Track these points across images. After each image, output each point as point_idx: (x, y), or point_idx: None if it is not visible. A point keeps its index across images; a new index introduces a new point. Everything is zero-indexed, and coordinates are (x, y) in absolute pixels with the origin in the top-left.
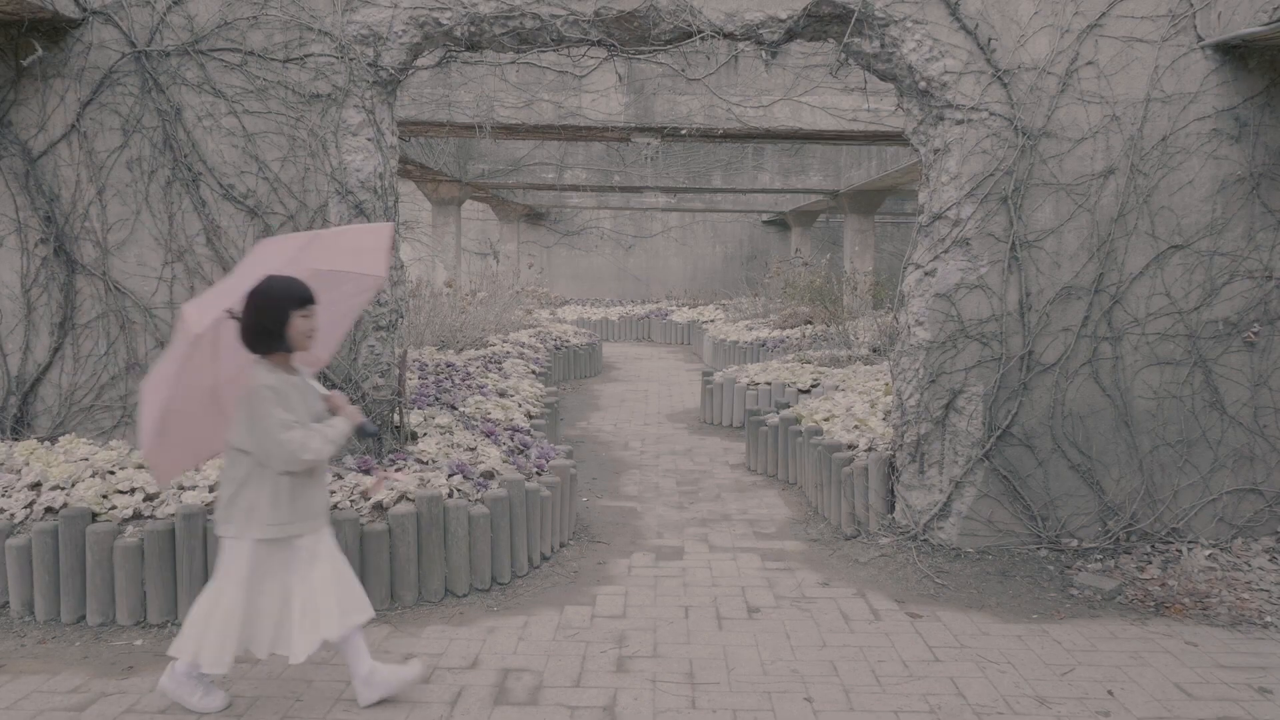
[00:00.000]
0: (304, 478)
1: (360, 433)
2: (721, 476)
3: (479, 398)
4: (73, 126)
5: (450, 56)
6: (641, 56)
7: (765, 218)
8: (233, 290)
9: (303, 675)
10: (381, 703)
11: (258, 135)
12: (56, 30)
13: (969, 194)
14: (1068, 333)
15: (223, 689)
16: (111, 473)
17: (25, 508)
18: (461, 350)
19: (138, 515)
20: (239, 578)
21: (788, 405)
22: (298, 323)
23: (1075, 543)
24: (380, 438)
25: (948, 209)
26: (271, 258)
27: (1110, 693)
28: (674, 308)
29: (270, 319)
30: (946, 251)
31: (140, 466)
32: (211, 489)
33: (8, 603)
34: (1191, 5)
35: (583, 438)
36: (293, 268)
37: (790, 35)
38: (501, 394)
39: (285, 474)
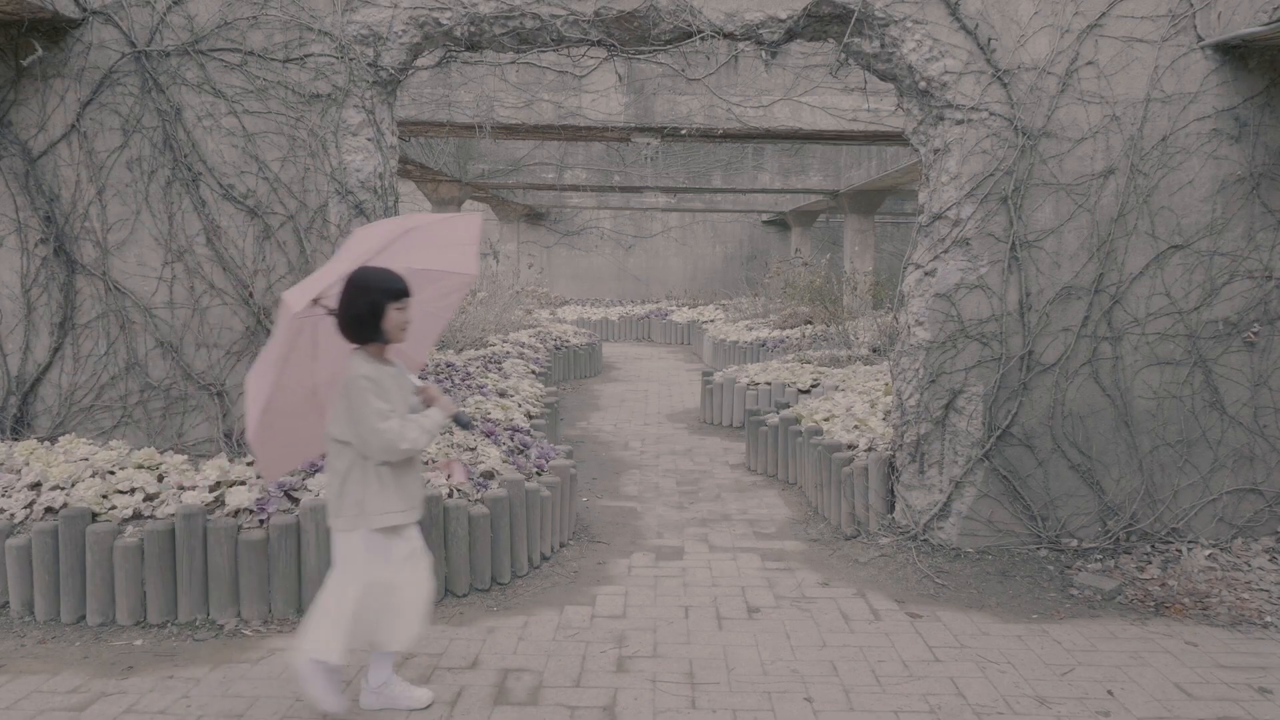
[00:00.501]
0: (403, 466)
1: (457, 423)
2: (721, 476)
3: (479, 398)
4: (73, 126)
5: (450, 56)
6: (641, 56)
7: (765, 218)
8: (329, 276)
9: None
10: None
11: (258, 135)
12: (56, 30)
13: (969, 194)
14: (1068, 333)
15: (344, 696)
16: (111, 473)
17: (25, 508)
18: (461, 350)
19: (138, 515)
20: (357, 569)
21: (788, 405)
22: (392, 314)
23: (1075, 543)
24: (475, 428)
25: (948, 209)
26: (366, 244)
27: (1110, 693)
28: (674, 308)
29: (365, 309)
30: (946, 251)
31: (140, 466)
32: (212, 489)
33: (8, 603)
34: (1191, 5)
35: (583, 438)
36: (388, 260)
37: (790, 35)
38: (501, 394)
39: (383, 464)
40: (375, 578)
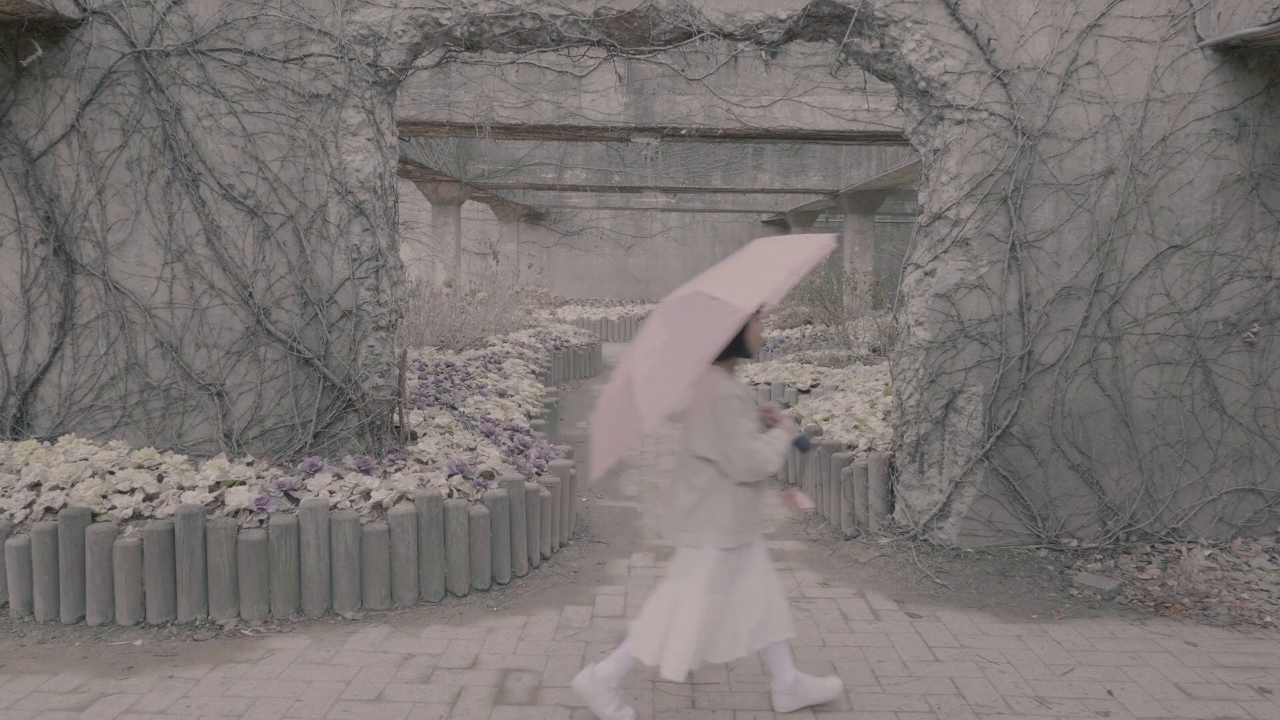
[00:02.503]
0: (756, 487)
1: (798, 445)
2: None
3: (479, 398)
4: (72, 126)
5: (450, 56)
6: (641, 56)
7: (765, 218)
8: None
9: (303, 675)
10: (380, 701)
11: (257, 135)
12: (56, 30)
13: (969, 194)
14: (1067, 333)
15: (633, 707)
16: (111, 473)
17: (25, 508)
18: (461, 350)
19: (137, 515)
20: (701, 585)
21: (788, 405)
22: (753, 327)
23: (1075, 543)
24: (812, 451)
25: (948, 209)
26: (757, 257)
27: (1110, 693)
28: None
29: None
30: (946, 251)
31: (140, 466)
32: (211, 489)
33: (7, 603)
34: (1191, 5)
35: (583, 438)
36: (740, 275)
37: (790, 35)
38: (501, 394)
39: (741, 484)
40: (717, 596)
